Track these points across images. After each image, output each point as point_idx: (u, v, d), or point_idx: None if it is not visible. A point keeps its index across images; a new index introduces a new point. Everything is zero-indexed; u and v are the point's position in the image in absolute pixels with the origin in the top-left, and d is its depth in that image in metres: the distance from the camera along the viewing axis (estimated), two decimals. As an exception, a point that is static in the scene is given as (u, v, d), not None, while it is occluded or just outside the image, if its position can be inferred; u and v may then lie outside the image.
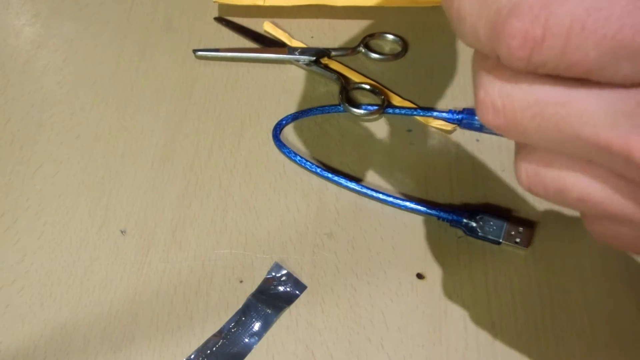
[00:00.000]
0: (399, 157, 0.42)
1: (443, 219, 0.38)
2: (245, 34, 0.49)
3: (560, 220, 0.39)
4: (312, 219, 0.39)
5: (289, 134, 0.44)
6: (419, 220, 0.39)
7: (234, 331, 0.35)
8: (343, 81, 0.45)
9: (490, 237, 0.37)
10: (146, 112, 0.45)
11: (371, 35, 0.48)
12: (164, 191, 0.41)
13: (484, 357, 0.34)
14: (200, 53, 0.47)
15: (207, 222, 0.40)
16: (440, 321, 0.35)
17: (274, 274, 0.37)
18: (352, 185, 0.40)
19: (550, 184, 0.21)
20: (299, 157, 0.41)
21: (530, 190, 0.22)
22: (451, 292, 0.36)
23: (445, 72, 0.46)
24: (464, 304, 0.36)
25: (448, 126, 0.43)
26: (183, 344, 0.35)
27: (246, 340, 0.35)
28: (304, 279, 0.37)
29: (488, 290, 0.36)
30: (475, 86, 0.21)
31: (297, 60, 0.47)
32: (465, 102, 0.44)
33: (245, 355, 0.35)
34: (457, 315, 0.36)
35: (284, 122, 0.44)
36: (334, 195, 0.40)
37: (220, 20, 0.50)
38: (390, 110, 0.44)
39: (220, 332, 0.35)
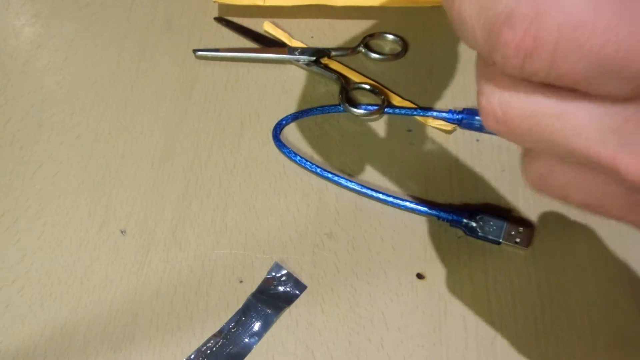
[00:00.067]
0: (399, 157, 0.42)
1: (443, 219, 0.38)
2: (245, 34, 0.49)
3: (560, 220, 0.39)
4: (312, 219, 0.39)
5: (289, 134, 0.44)
6: (419, 220, 0.39)
7: (234, 331, 0.35)
8: (343, 81, 0.45)
9: (490, 237, 0.37)
10: (146, 112, 0.45)
11: (371, 35, 0.48)
12: (164, 191, 0.41)
13: (484, 357, 0.34)
14: (200, 53, 0.47)
15: (207, 222, 0.40)
16: (440, 321, 0.35)
17: (274, 274, 0.37)
18: (352, 185, 0.40)
19: (554, 189, 0.22)
20: (299, 157, 0.41)
21: (537, 192, 0.22)
22: (451, 292, 0.36)
23: (445, 72, 0.46)
24: (464, 304, 0.36)
25: (448, 126, 0.43)
26: (183, 344, 0.35)
27: (246, 340, 0.35)
28: (304, 279, 0.37)
29: (488, 290, 0.36)
30: (478, 93, 0.21)
31: (297, 60, 0.47)
32: (465, 102, 0.44)
33: (245, 355, 0.35)
34: (457, 315, 0.36)
35: (284, 122, 0.44)
36: (334, 195, 0.40)
37: (220, 20, 0.50)
38: (390, 110, 0.44)
39: (220, 332, 0.35)
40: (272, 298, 0.36)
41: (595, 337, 0.35)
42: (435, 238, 0.38)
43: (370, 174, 0.41)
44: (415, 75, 0.46)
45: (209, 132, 0.44)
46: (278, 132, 0.43)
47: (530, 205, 0.39)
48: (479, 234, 0.37)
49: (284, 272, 0.37)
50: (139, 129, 0.44)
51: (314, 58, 0.46)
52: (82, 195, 0.41)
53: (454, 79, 0.46)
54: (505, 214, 0.39)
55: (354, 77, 0.46)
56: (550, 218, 0.39)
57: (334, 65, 0.47)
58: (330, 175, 0.40)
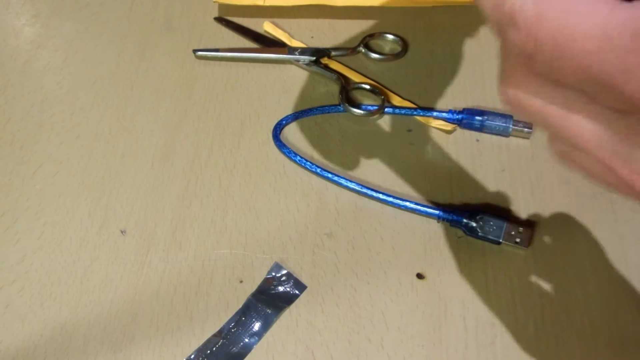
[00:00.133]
0: (399, 157, 0.42)
1: (443, 219, 0.38)
2: (245, 34, 0.49)
3: (560, 220, 0.39)
4: (312, 219, 0.39)
5: (289, 134, 0.44)
6: (419, 220, 0.39)
7: (234, 331, 0.35)
8: (343, 81, 0.45)
9: (490, 237, 0.37)
10: (146, 112, 0.45)
11: (371, 35, 0.48)
12: (164, 191, 0.41)
13: (484, 357, 0.34)
14: (200, 53, 0.47)
15: (207, 222, 0.40)
16: (440, 321, 0.35)
17: (274, 274, 0.37)
18: (352, 185, 0.40)
19: (575, 165, 0.23)
20: (299, 157, 0.41)
21: (563, 165, 0.24)
22: (451, 292, 0.36)
23: (445, 72, 0.46)
24: (464, 304, 0.36)
25: (448, 126, 0.43)
26: (183, 344, 0.35)
27: (246, 340, 0.35)
28: (304, 279, 0.37)
29: (488, 290, 0.36)
30: (498, 80, 0.23)
31: (297, 60, 0.47)
32: (465, 102, 0.44)
33: (245, 355, 0.35)
34: (457, 315, 0.36)
35: (284, 122, 0.44)
36: (334, 195, 0.40)
37: (220, 20, 0.50)
38: (390, 110, 0.44)
39: (220, 332, 0.35)
40: (272, 298, 0.36)
41: (595, 337, 0.35)
42: (435, 238, 0.38)
43: (370, 174, 0.41)
44: (415, 75, 0.46)
45: (209, 132, 0.44)
46: (278, 132, 0.43)
47: (530, 205, 0.39)
48: (479, 234, 0.37)
49: (284, 272, 0.37)
50: (139, 129, 0.44)
51: (314, 58, 0.46)
52: (82, 195, 0.41)
53: (454, 79, 0.46)
54: (505, 214, 0.39)
55: (354, 77, 0.46)
56: (550, 218, 0.39)
57: (334, 65, 0.47)
58: (330, 175, 0.40)
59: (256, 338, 0.35)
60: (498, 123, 0.42)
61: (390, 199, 0.39)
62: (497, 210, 0.39)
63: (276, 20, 0.50)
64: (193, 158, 0.43)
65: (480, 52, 0.47)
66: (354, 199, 0.40)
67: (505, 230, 0.37)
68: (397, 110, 0.44)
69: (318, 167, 0.41)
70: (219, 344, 0.35)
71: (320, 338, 0.35)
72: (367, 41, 0.48)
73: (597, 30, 0.17)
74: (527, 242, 0.37)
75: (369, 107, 0.44)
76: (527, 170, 0.41)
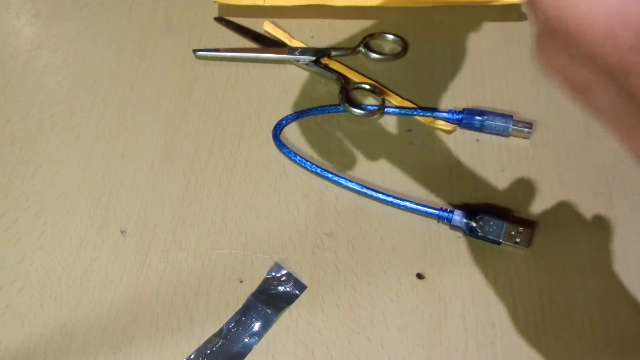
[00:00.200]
0: (399, 157, 0.42)
1: (443, 219, 0.38)
2: (245, 34, 0.49)
3: (560, 220, 0.39)
4: (312, 219, 0.39)
5: (289, 134, 0.44)
6: (419, 220, 0.39)
7: (234, 331, 0.35)
8: (343, 81, 0.45)
9: (490, 237, 0.37)
10: (146, 112, 0.45)
11: (371, 35, 0.48)
12: (164, 191, 0.41)
13: (484, 357, 0.34)
14: (200, 53, 0.47)
15: (207, 222, 0.40)
16: (440, 321, 0.35)
17: (274, 274, 0.37)
18: (352, 185, 0.40)
19: (558, 69, 0.23)
20: (299, 157, 0.41)
21: (543, 68, 0.24)
22: (451, 292, 0.36)
23: (445, 72, 0.46)
24: (464, 304, 0.36)
25: (448, 126, 0.43)
26: (183, 344, 0.35)
27: (246, 340, 0.35)
28: (304, 279, 0.37)
29: (488, 290, 0.36)
30: (534, 46, 0.23)
31: (297, 60, 0.47)
32: (465, 102, 0.44)
33: (245, 355, 0.35)
34: (457, 315, 0.36)
35: (284, 122, 0.44)
36: (334, 195, 0.40)
37: (220, 20, 0.50)
38: (390, 110, 0.44)
39: (220, 332, 0.35)
40: (272, 298, 0.36)
41: (595, 337, 0.35)
42: (435, 238, 0.38)
43: (370, 174, 0.41)
44: (415, 75, 0.46)
45: (209, 132, 0.44)
46: (278, 132, 0.43)
47: (530, 205, 0.39)
48: (479, 234, 0.37)
49: (284, 272, 0.37)
50: (139, 129, 0.44)
51: (314, 58, 0.46)
52: (82, 195, 0.41)
53: (454, 79, 0.46)
54: (505, 214, 0.39)
55: (354, 77, 0.46)
56: (550, 218, 0.39)
57: (334, 65, 0.47)
58: (330, 175, 0.40)
59: (256, 338, 0.35)
60: (498, 123, 0.42)
61: (390, 199, 0.39)
62: (497, 210, 0.39)
63: (276, 20, 0.50)
64: (193, 158, 0.43)
65: (480, 52, 0.47)
66: (354, 199, 0.40)
67: (505, 230, 0.37)
68: (397, 110, 0.44)
69: (318, 167, 0.41)
70: (219, 344, 0.35)
71: (320, 338, 0.35)
72: (367, 41, 0.48)
73: (604, 23, 0.17)
74: (527, 242, 0.37)
75: (369, 107, 0.44)
76: (527, 170, 0.41)
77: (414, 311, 0.36)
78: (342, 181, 0.40)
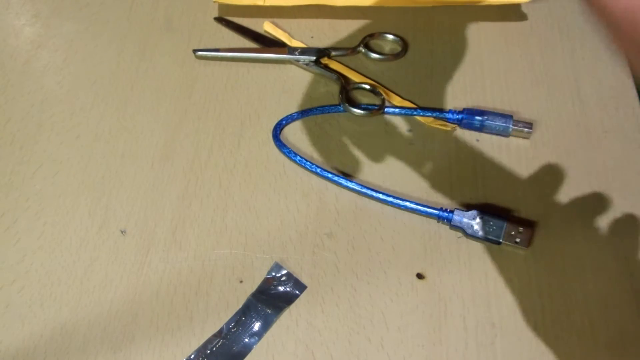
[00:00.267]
0: (399, 157, 0.42)
1: (443, 219, 0.38)
2: (245, 34, 0.49)
3: (560, 220, 0.39)
4: (312, 219, 0.39)
5: (289, 134, 0.44)
6: (419, 220, 0.39)
7: (234, 331, 0.35)
8: (343, 81, 0.45)
9: (490, 237, 0.37)
10: (146, 112, 0.45)
11: (371, 35, 0.48)
12: (164, 191, 0.41)
13: (484, 357, 0.34)
14: (200, 53, 0.47)
15: (207, 222, 0.40)
16: (440, 321, 0.35)
17: (274, 274, 0.37)
18: (352, 185, 0.40)
19: None
20: (299, 157, 0.41)
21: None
22: (451, 292, 0.36)
23: (445, 72, 0.46)
24: (464, 304, 0.36)
25: (448, 126, 0.43)
26: (183, 344, 0.35)
27: (246, 340, 0.35)
28: (304, 279, 0.37)
29: (488, 290, 0.36)
30: None
31: (297, 60, 0.47)
32: (465, 102, 0.44)
33: (245, 355, 0.35)
34: (457, 315, 0.36)
35: (284, 122, 0.44)
36: (334, 195, 0.40)
37: (220, 20, 0.50)
38: (390, 110, 0.44)
39: (220, 332, 0.35)
40: (272, 298, 0.36)
41: (595, 337, 0.35)
42: (435, 238, 0.38)
43: (370, 174, 0.41)
44: (415, 75, 0.46)
45: (209, 132, 0.44)
46: (278, 132, 0.43)
47: (530, 205, 0.39)
48: (479, 234, 0.37)
49: (284, 272, 0.37)
50: (139, 129, 0.44)
51: (314, 58, 0.46)
52: (82, 195, 0.41)
53: (454, 79, 0.46)
54: (505, 214, 0.39)
55: (354, 77, 0.46)
56: (550, 218, 0.39)
57: (334, 65, 0.47)
58: (330, 175, 0.40)
59: (256, 338, 0.35)
60: (498, 123, 0.42)
61: (390, 199, 0.39)
62: (497, 210, 0.39)
63: (276, 20, 0.50)
64: (193, 158, 0.43)
65: (480, 52, 0.47)
66: (354, 199, 0.40)
67: (505, 230, 0.37)
68: (397, 110, 0.44)
69: (318, 167, 0.41)
70: (219, 344, 0.35)
71: (320, 338, 0.35)
72: (367, 41, 0.48)
73: None
74: (527, 242, 0.37)
75: (369, 107, 0.44)
76: (527, 170, 0.41)
77: (414, 311, 0.36)
78: (342, 181, 0.40)
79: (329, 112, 0.44)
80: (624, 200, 0.39)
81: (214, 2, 0.50)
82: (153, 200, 0.41)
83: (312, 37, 0.49)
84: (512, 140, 0.43)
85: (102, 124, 0.45)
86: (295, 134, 0.44)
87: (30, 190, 0.41)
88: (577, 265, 0.37)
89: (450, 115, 0.43)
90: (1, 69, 0.48)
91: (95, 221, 0.40)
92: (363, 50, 0.47)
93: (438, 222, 0.39)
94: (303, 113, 0.44)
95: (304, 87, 0.46)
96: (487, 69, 0.46)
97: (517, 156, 0.42)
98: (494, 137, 0.43)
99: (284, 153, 0.42)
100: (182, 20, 0.50)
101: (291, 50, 0.47)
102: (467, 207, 0.39)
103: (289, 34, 0.49)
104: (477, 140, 0.43)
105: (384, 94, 0.44)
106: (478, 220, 0.38)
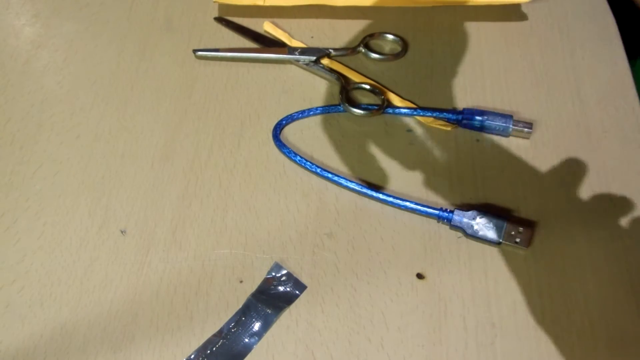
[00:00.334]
0: (399, 157, 0.42)
1: (443, 219, 0.38)
2: (245, 34, 0.49)
3: (560, 220, 0.39)
4: (312, 219, 0.39)
5: (289, 134, 0.44)
6: (419, 220, 0.39)
7: (234, 331, 0.35)
8: (343, 81, 0.45)
9: (490, 237, 0.37)
10: (146, 112, 0.45)
11: (371, 35, 0.48)
12: (164, 191, 0.41)
13: (484, 357, 0.34)
14: (200, 53, 0.47)
15: (207, 222, 0.40)
16: (440, 321, 0.35)
17: (274, 274, 0.37)
18: (352, 185, 0.40)
19: None
20: (299, 157, 0.41)
21: None
22: (451, 292, 0.36)
23: (445, 72, 0.46)
24: (464, 304, 0.36)
25: (448, 126, 0.43)
26: (183, 344, 0.35)
27: (246, 340, 0.35)
28: (304, 279, 0.37)
29: (488, 290, 0.36)
30: None
31: (297, 60, 0.47)
32: (465, 102, 0.44)
33: (245, 355, 0.35)
34: (457, 315, 0.36)
35: (284, 122, 0.44)
36: (334, 195, 0.40)
37: (220, 20, 0.50)
38: (390, 110, 0.44)
39: (220, 332, 0.35)
40: (272, 298, 0.36)
41: (595, 337, 0.35)
42: (435, 238, 0.38)
43: (370, 174, 0.41)
44: (415, 75, 0.46)
45: (209, 132, 0.44)
46: (278, 132, 0.43)
47: (530, 205, 0.39)
48: (479, 234, 0.37)
49: (284, 272, 0.37)
50: (139, 129, 0.44)
51: (314, 58, 0.46)
52: (82, 195, 0.41)
53: (454, 79, 0.46)
54: (505, 214, 0.39)
55: (354, 77, 0.46)
56: (550, 218, 0.39)
57: (334, 65, 0.47)
58: (330, 175, 0.40)
59: (256, 338, 0.35)
60: (498, 123, 0.42)
61: (390, 199, 0.39)
62: (497, 210, 0.39)
63: (276, 20, 0.50)
64: (193, 158, 0.43)
65: (480, 52, 0.47)
66: (354, 199, 0.40)
67: (505, 230, 0.37)
68: (397, 110, 0.44)
69: (318, 167, 0.41)
70: (219, 344, 0.35)
71: (320, 338, 0.35)
72: (367, 41, 0.48)
73: None
74: (527, 242, 0.37)
75: (369, 107, 0.44)
76: (527, 170, 0.41)
77: (414, 311, 0.36)
78: (342, 181, 0.40)
79: (329, 112, 0.44)
80: (624, 200, 0.39)
81: (214, 2, 0.50)
82: (153, 200, 0.41)
83: (312, 37, 0.49)
84: (512, 140, 0.43)
85: (102, 124, 0.45)
86: (295, 134, 0.44)
87: (30, 190, 0.41)
88: (577, 265, 0.37)
89: (450, 115, 0.43)
90: (1, 69, 0.48)
91: (95, 221, 0.40)
92: (363, 50, 0.47)
93: (438, 222, 0.39)
94: (303, 113, 0.44)
95: (304, 87, 0.46)
96: (487, 69, 0.46)
97: (517, 156, 0.42)
98: (494, 137, 0.43)
99: (284, 153, 0.42)
100: (182, 20, 0.50)
101: (291, 50, 0.47)
102: (467, 207, 0.39)
103: (289, 34, 0.49)
104: (477, 140, 0.43)
105: (384, 94, 0.44)
106: (478, 220, 0.38)
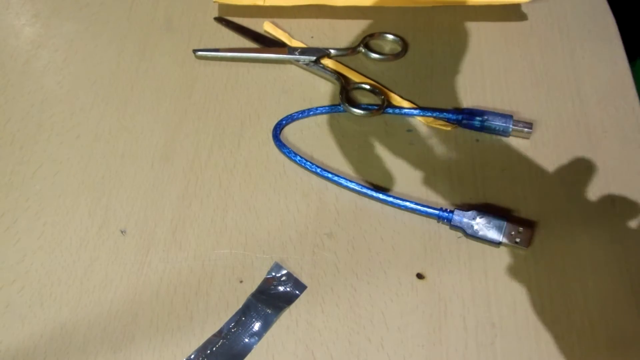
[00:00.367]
0: (399, 157, 0.42)
1: (443, 219, 0.38)
2: (245, 34, 0.49)
3: (560, 220, 0.39)
4: (312, 219, 0.39)
5: (289, 134, 0.44)
6: (419, 220, 0.39)
7: (234, 331, 0.35)
8: (343, 81, 0.45)
9: (490, 237, 0.37)
10: (146, 112, 0.45)
11: (371, 35, 0.48)
12: (164, 191, 0.41)
13: (484, 357, 0.34)
14: (200, 53, 0.47)
15: (207, 222, 0.40)
16: (440, 321, 0.35)
17: (274, 274, 0.37)
18: (352, 185, 0.40)
19: None
20: (299, 157, 0.41)
21: None
22: (451, 292, 0.36)
23: (445, 72, 0.46)
24: (464, 304, 0.36)
25: (448, 126, 0.43)
26: (183, 344, 0.35)
27: (246, 340, 0.35)
28: (304, 279, 0.37)
29: (488, 290, 0.36)
30: None
31: (297, 60, 0.47)
32: (465, 102, 0.44)
33: (245, 355, 0.35)
34: (457, 315, 0.36)
35: (284, 122, 0.44)
36: (334, 195, 0.40)
37: (220, 20, 0.50)
38: (390, 110, 0.44)
39: (220, 332, 0.35)
40: (272, 298, 0.36)
41: (595, 337, 0.35)
42: (435, 238, 0.38)
43: (370, 174, 0.41)
44: (415, 75, 0.46)
45: (209, 132, 0.44)
46: (278, 132, 0.43)
47: (530, 205, 0.39)
48: (479, 234, 0.37)
49: (284, 272, 0.37)
50: (139, 129, 0.44)
51: (314, 58, 0.46)
52: (82, 195, 0.41)
53: (454, 79, 0.46)
54: (505, 214, 0.39)
55: (354, 77, 0.46)
56: (550, 218, 0.39)
57: (334, 65, 0.47)
58: (330, 175, 0.40)
59: (256, 338, 0.35)
60: (498, 123, 0.42)
61: (390, 199, 0.39)
62: (497, 210, 0.39)
63: (276, 20, 0.50)
64: (193, 158, 0.43)
65: (480, 52, 0.47)
66: (354, 199, 0.40)
67: (505, 230, 0.37)
68: (397, 110, 0.44)
69: (318, 167, 0.41)
70: (219, 344, 0.35)
71: (320, 338, 0.35)
72: (367, 41, 0.48)
73: None
74: (527, 242, 0.37)
75: (369, 107, 0.44)
76: (527, 170, 0.41)
77: (414, 311, 0.36)
78: (342, 181, 0.40)
79: (329, 112, 0.44)
80: (624, 200, 0.39)
81: (214, 2, 0.50)
82: (153, 200, 0.41)
83: (312, 37, 0.49)
84: (512, 140, 0.43)
85: (102, 124, 0.45)
86: (295, 134, 0.44)
87: (30, 190, 0.41)
88: (577, 265, 0.37)
89: (450, 115, 0.43)
90: (1, 69, 0.48)
91: (95, 221, 0.40)
92: (363, 50, 0.47)
93: (438, 222, 0.39)
94: (303, 113, 0.44)
95: (304, 87, 0.46)
96: (487, 69, 0.46)
97: (517, 156, 0.42)
98: (494, 137, 0.43)
99: (284, 153, 0.42)
100: (182, 20, 0.50)
101: (291, 50, 0.47)
102: (467, 207, 0.39)
103: (289, 34, 0.49)
104: (477, 140, 0.43)
105: (384, 94, 0.44)
106: (478, 220, 0.38)
